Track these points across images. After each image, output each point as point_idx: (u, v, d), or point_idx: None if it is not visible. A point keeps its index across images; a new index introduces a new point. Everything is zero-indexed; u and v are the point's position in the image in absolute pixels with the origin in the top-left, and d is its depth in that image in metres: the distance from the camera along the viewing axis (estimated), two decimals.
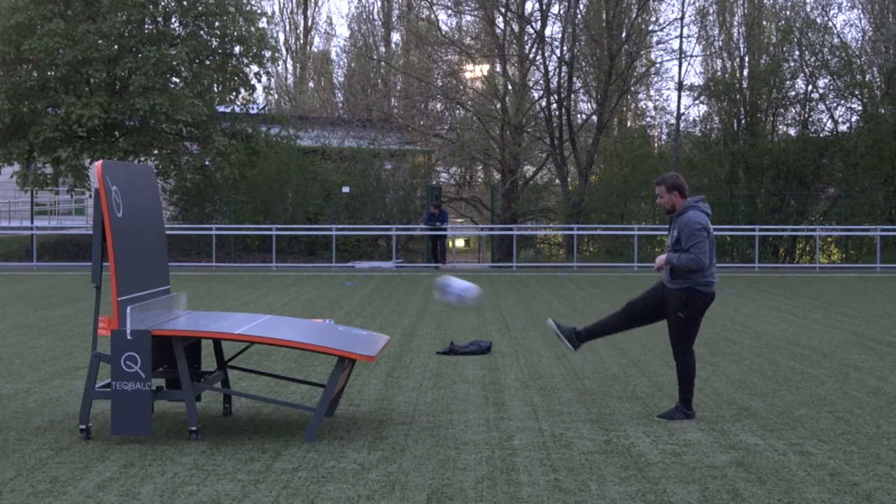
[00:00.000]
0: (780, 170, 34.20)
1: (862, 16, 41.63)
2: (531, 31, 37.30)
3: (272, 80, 42.19)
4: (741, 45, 38.76)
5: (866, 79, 35.83)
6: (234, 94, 32.80)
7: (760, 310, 17.54)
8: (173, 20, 31.86)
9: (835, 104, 35.78)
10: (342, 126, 40.60)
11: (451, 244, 34.74)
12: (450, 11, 41.66)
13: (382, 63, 44.53)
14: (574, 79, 37.40)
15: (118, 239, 7.45)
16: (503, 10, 37.44)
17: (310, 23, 56.10)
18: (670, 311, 8.17)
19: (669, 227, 8.34)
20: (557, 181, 38.82)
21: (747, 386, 9.93)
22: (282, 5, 62.56)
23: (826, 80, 35.46)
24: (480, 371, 10.78)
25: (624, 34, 37.12)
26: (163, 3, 31.48)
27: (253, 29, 31.59)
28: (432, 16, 42.93)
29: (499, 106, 37.70)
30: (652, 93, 46.46)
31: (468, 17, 41.74)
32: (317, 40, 60.77)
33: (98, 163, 7.43)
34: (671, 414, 8.25)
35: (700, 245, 7.96)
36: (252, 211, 33.17)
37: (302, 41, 56.09)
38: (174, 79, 31.04)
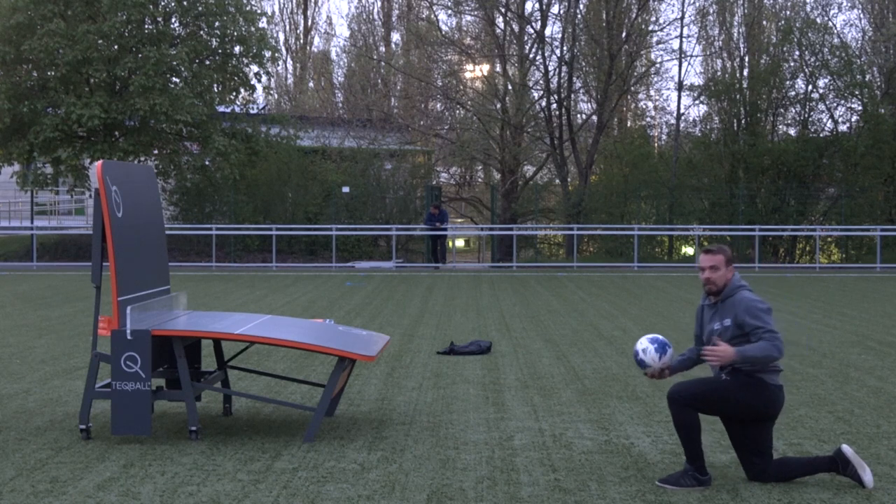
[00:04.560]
0: (780, 170, 34.19)
1: (862, 16, 41.65)
2: (531, 31, 37.31)
3: (272, 80, 42.18)
4: (741, 45, 38.76)
5: (866, 79, 35.82)
6: (234, 94, 32.79)
7: None
8: (173, 20, 31.84)
9: (835, 104, 35.79)
10: (342, 126, 40.58)
11: (451, 244, 34.73)
12: (450, 11, 41.67)
13: (382, 63, 44.52)
14: (574, 79, 37.40)
15: (118, 239, 7.45)
16: (503, 10, 37.43)
17: (310, 23, 56.11)
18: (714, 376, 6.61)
19: (700, 315, 6.73)
20: (557, 181, 38.81)
21: None
22: (282, 5, 62.55)
23: (826, 80, 35.46)
24: (480, 371, 10.78)
25: (624, 34, 37.11)
26: (163, 3, 31.46)
27: (253, 29, 31.57)
28: (432, 16, 42.94)
29: (499, 106, 37.70)
30: (652, 93, 46.50)
31: (468, 17, 41.77)
32: (317, 40, 60.77)
33: (98, 163, 7.43)
34: (677, 479, 6.42)
35: (772, 323, 6.45)
36: (252, 211, 33.16)
37: (302, 41, 56.09)
38: (174, 79, 31.01)
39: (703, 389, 6.41)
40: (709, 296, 6.59)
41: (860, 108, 35.01)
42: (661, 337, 6.72)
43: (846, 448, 6.42)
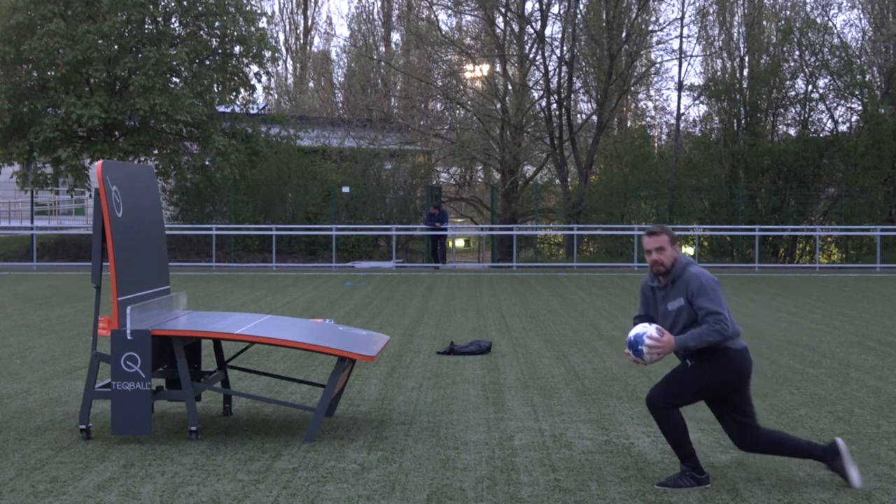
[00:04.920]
0: (780, 170, 34.19)
1: (862, 16, 41.66)
2: (531, 31, 37.32)
3: (272, 80, 42.17)
4: (741, 45, 38.76)
5: (866, 79, 35.82)
6: (234, 94, 32.79)
7: (760, 310, 17.53)
8: (173, 20, 31.84)
9: (835, 104, 35.79)
10: (342, 126, 40.59)
11: (451, 244, 34.73)
12: (450, 11, 41.69)
13: (382, 63, 44.53)
14: (574, 79, 37.39)
15: (118, 239, 7.45)
16: (503, 10, 37.44)
17: (310, 23, 56.12)
18: (680, 365, 6.48)
19: (650, 296, 6.54)
20: (557, 181, 38.81)
21: None
22: (282, 5, 62.58)
23: (826, 80, 35.46)
24: (480, 371, 10.78)
25: (624, 34, 37.11)
26: (163, 3, 31.46)
27: (253, 29, 31.58)
28: (432, 16, 42.95)
29: (499, 106, 37.70)
30: (652, 93, 46.49)
31: (468, 17, 41.78)
32: (317, 40, 60.79)
33: (98, 163, 7.43)
34: (676, 480, 6.39)
35: (721, 302, 6.24)
36: (252, 211, 33.17)
37: (302, 41, 56.10)
38: (174, 79, 31.02)
39: (678, 385, 6.36)
40: (657, 277, 6.42)
41: (860, 108, 35.01)
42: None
43: (840, 442, 6.38)
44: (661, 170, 35.94)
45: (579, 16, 36.88)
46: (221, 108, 32.41)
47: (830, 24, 37.09)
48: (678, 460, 6.48)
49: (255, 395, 8.82)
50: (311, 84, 53.88)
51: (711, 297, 6.17)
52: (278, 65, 50.92)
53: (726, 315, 6.18)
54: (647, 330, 6.28)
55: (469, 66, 40.56)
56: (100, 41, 29.59)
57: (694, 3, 44.86)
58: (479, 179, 47.28)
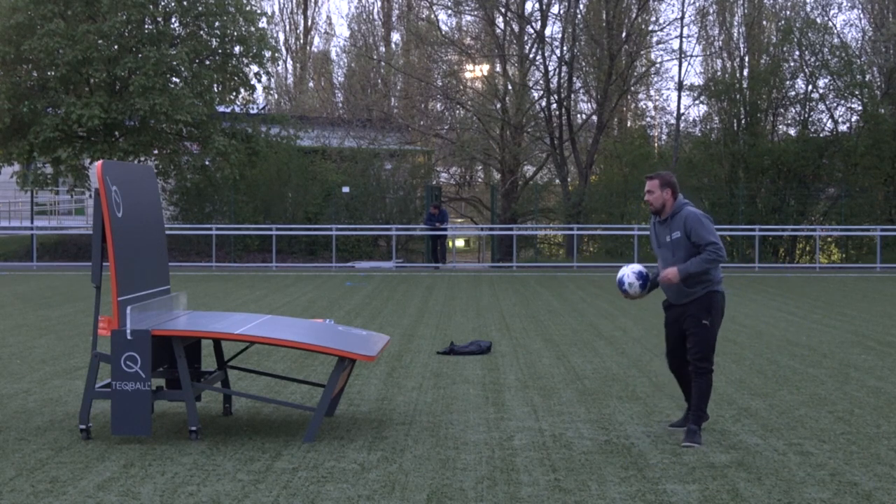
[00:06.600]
0: (780, 170, 34.18)
1: (862, 16, 41.63)
2: (531, 31, 37.31)
3: (272, 80, 42.16)
4: (741, 45, 38.75)
5: (866, 79, 35.81)
6: (234, 94, 32.78)
7: (760, 310, 17.53)
8: (173, 20, 31.83)
9: (835, 104, 35.78)
10: (342, 126, 40.57)
11: (451, 244, 34.73)
12: (450, 11, 41.66)
13: (382, 63, 44.52)
14: (574, 79, 37.39)
15: (118, 239, 7.45)
16: (503, 10, 37.43)
17: (310, 23, 56.10)
18: (692, 323, 7.50)
19: (653, 231, 7.79)
20: (557, 181, 38.81)
21: (747, 386, 9.93)
22: (282, 5, 62.50)
23: (826, 80, 35.45)
24: (480, 371, 10.78)
25: (624, 34, 37.10)
26: (163, 3, 31.46)
27: (253, 29, 31.57)
28: (432, 16, 42.93)
29: (499, 106, 37.69)
30: (652, 93, 46.47)
31: (468, 17, 41.76)
32: (317, 40, 60.74)
33: (98, 163, 7.43)
34: (693, 437, 7.45)
35: (713, 233, 7.44)
36: (252, 211, 33.17)
37: (302, 41, 56.09)
38: (174, 79, 31.01)
39: (708, 343, 7.49)
40: (653, 214, 7.69)
41: (860, 108, 35.00)
42: (644, 271, 7.81)
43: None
44: (661, 170, 35.89)
45: (579, 16, 36.87)
46: (221, 108, 32.40)
47: (830, 24, 37.10)
48: (690, 424, 7.52)
49: (255, 395, 8.83)
50: (311, 84, 53.86)
51: (705, 228, 7.41)
52: (278, 65, 50.92)
53: (719, 243, 7.42)
54: (626, 272, 7.80)
55: (469, 66, 40.55)
56: (100, 41, 29.57)
57: (694, 3, 44.80)
58: (479, 179, 47.26)
